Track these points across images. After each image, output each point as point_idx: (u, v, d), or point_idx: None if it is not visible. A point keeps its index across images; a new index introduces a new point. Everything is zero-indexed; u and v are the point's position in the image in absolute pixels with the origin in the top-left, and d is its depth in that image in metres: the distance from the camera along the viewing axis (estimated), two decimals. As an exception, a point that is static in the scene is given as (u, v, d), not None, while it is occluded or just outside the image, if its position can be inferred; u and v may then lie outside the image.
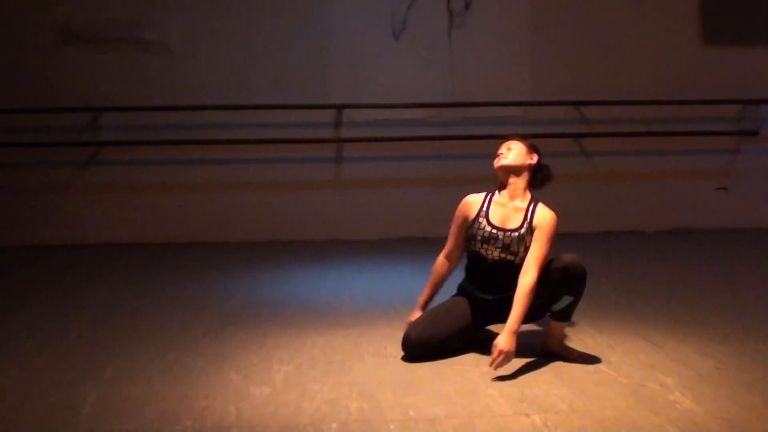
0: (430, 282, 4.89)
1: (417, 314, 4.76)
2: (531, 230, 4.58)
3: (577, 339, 4.91)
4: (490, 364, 4.22)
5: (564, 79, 8.89)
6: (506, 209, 4.68)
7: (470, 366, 4.43)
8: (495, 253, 4.61)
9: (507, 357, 4.22)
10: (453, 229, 4.82)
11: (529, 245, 4.54)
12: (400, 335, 4.87)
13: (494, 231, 4.62)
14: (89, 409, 3.88)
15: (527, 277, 4.39)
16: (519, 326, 4.33)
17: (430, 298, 4.89)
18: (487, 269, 4.66)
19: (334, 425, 3.64)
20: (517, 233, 4.59)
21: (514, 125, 8.72)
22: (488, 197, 4.76)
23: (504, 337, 4.25)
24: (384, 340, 4.90)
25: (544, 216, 4.62)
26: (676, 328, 5.13)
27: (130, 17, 8.57)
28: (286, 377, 4.30)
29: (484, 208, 4.70)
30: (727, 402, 3.85)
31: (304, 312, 5.70)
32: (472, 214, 4.71)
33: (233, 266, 7.45)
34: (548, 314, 4.59)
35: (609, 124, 8.93)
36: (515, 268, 4.50)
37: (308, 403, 3.90)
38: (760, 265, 7.35)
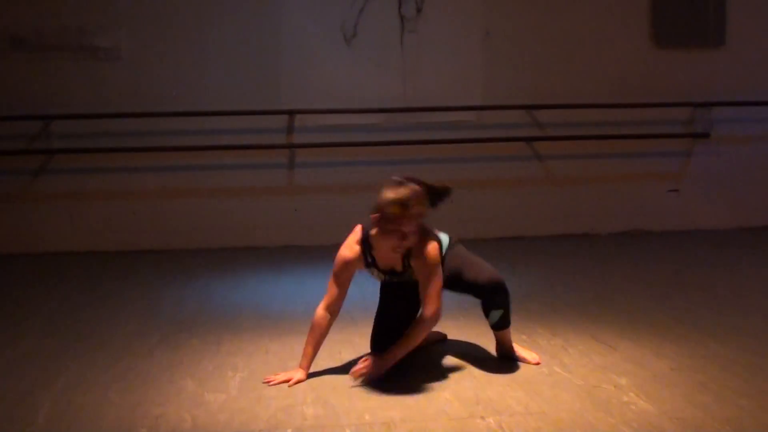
0: (312, 340, 4.41)
1: (300, 376, 4.32)
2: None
3: (531, 341, 4.93)
4: (351, 373, 4.25)
5: (516, 83, 8.94)
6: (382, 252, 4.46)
7: (424, 369, 4.43)
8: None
9: (368, 373, 4.22)
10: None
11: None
12: (354, 340, 4.90)
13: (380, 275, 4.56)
14: (42, 421, 3.83)
15: (422, 317, 4.31)
16: (397, 358, 4.29)
17: (313, 357, 4.44)
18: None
19: (289, 431, 3.62)
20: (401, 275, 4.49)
21: (467, 129, 8.78)
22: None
23: (379, 361, 4.25)
24: (338, 345, 4.89)
25: (429, 250, 4.32)
26: (630, 330, 5.16)
27: (79, 24, 8.49)
28: (240, 383, 4.27)
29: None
30: (682, 402, 3.87)
31: (258, 318, 5.68)
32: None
33: (186, 273, 7.40)
34: (490, 327, 4.58)
35: (561, 128, 8.99)
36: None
37: (263, 410, 3.88)
38: (712, 267, 7.41)
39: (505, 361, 4.56)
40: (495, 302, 4.44)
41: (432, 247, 4.31)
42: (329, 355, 4.68)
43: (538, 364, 4.49)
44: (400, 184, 4.19)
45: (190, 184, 8.72)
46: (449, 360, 4.63)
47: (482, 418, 3.72)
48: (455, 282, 4.47)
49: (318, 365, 4.49)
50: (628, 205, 9.23)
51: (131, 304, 6.20)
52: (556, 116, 8.99)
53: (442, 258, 4.47)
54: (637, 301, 5.98)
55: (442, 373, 4.36)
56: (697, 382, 4.16)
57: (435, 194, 4.27)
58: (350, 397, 4.02)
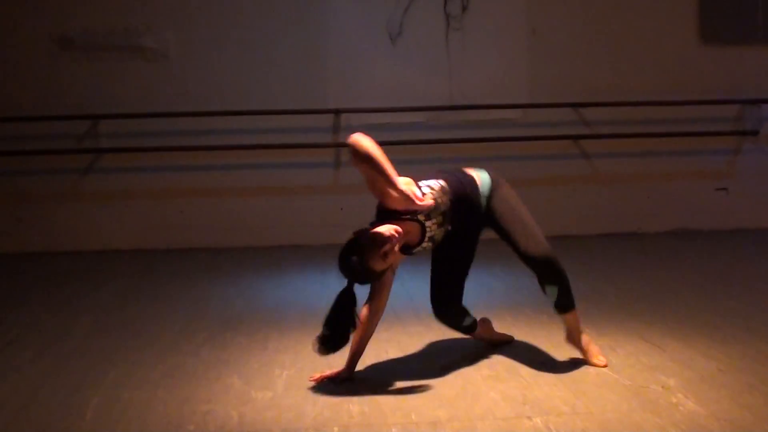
0: (356, 338, 4.37)
1: (344, 374, 4.33)
2: None
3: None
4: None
5: (562, 80, 8.89)
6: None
7: (472, 369, 4.42)
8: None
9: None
10: None
11: None
12: (400, 339, 4.90)
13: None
14: (91, 415, 3.87)
15: None
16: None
17: (357, 355, 4.42)
18: None
19: (336, 429, 3.63)
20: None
21: (512, 127, 8.75)
22: None
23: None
24: (385, 343, 4.89)
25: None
26: (678, 330, 5.11)
27: (127, 25, 8.57)
28: (287, 381, 4.29)
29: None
30: (730, 403, 3.84)
31: (304, 316, 5.68)
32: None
33: (233, 271, 7.45)
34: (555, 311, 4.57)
35: (608, 126, 8.92)
36: None
37: (310, 407, 3.90)
38: (762, 266, 7.34)
39: (551, 361, 4.54)
40: (548, 278, 4.45)
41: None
42: (375, 355, 4.69)
43: (605, 366, 4.45)
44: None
45: (238, 183, 8.77)
46: (496, 359, 4.61)
47: (529, 418, 3.70)
48: (505, 237, 4.50)
49: (364, 363, 4.49)
50: (677, 204, 9.14)
51: (179, 302, 6.25)
52: (603, 114, 8.93)
53: (487, 200, 4.53)
54: (685, 301, 5.93)
55: (489, 373, 4.35)
56: (745, 384, 4.11)
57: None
58: (397, 396, 4.02)
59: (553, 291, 4.46)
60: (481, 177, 4.60)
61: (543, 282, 4.48)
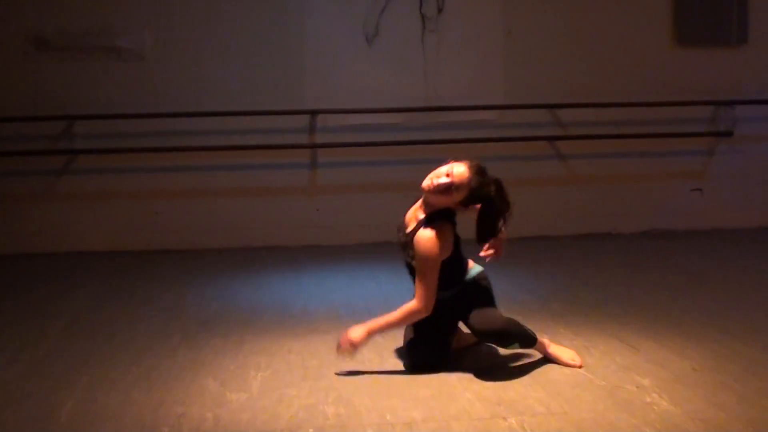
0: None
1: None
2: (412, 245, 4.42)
3: (554, 342, 4.89)
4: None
5: (538, 82, 8.91)
6: (414, 211, 4.61)
7: (446, 370, 4.43)
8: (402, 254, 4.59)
9: (348, 348, 4.33)
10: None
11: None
12: (375, 339, 4.89)
13: (399, 228, 4.63)
14: (65, 419, 3.86)
15: (409, 302, 4.38)
16: (377, 330, 4.38)
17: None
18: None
19: (311, 430, 3.64)
20: (406, 237, 4.51)
21: (488, 129, 8.77)
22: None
23: (357, 329, 4.33)
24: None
25: (419, 236, 4.36)
26: (652, 330, 5.14)
27: (102, 25, 8.52)
28: (263, 383, 4.29)
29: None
30: (704, 403, 3.86)
31: (280, 318, 5.69)
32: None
33: (209, 273, 7.43)
34: None
35: (583, 127, 8.95)
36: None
37: (285, 409, 3.90)
38: (736, 266, 7.38)
39: (526, 362, 4.55)
40: (501, 343, 4.51)
41: (425, 237, 4.33)
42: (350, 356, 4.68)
43: (580, 367, 4.45)
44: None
45: (213, 184, 8.74)
46: (471, 360, 4.62)
47: (504, 418, 3.72)
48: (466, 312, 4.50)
49: (340, 365, 4.49)
50: (651, 205, 9.18)
51: (154, 304, 6.23)
52: (578, 115, 8.96)
53: (467, 282, 4.57)
54: (660, 301, 5.96)
55: (464, 374, 4.36)
56: (719, 383, 4.15)
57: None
58: (372, 397, 4.03)
59: (515, 347, 4.49)
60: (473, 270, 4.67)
61: (502, 346, 4.56)
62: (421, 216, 4.44)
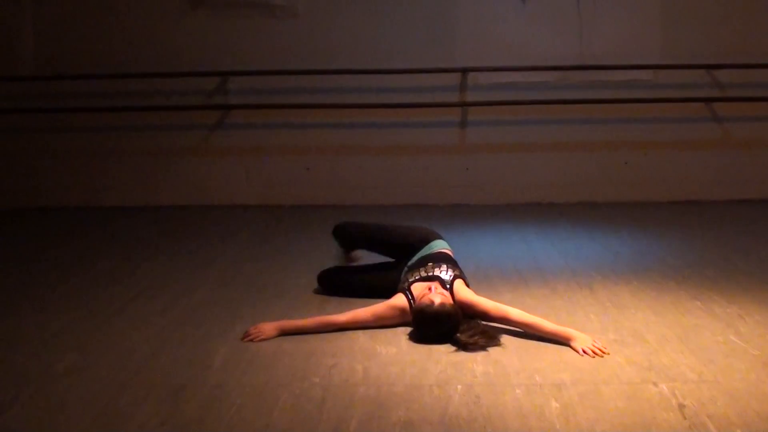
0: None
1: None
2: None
3: (706, 308, 4.81)
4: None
5: (696, 41, 8.63)
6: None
7: (597, 333, 4.38)
8: None
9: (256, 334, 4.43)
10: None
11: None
12: (524, 300, 4.90)
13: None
14: (219, 365, 3.99)
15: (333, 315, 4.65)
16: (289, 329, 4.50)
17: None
18: None
19: (459, 387, 3.66)
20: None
21: (643, 89, 8.57)
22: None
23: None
24: (509, 305, 4.87)
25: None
26: (810, 301, 4.98)
27: (258, -17, 8.67)
28: (412, 339, 4.33)
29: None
30: None
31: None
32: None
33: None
34: None
35: (742, 88, 8.65)
36: None
37: (434, 365, 3.93)
38: None
39: (678, 328, 4.47)
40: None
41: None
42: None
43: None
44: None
45: (363, 142, 8.81)
46: (622, 324, 4.56)
47: (654, 384, 3.66)
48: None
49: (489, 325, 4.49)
50: (814, 170, 8.83)
51: (304, 258, 6.34)
52: (737, 76, 8.65)
53: None
54: (820, 271, 5.76)
55: (615, 338, 4.31)
56: None
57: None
58: (521, 358, 4.02)
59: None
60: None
61: None
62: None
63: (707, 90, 8.68)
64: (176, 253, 6.64)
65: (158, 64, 8.67)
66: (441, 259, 4.85)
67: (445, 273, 4.66)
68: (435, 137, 8.78)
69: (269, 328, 4.43)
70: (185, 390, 3.66)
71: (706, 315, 4.67)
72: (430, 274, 4.67)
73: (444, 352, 4.11)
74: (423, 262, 4.84)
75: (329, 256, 6.18)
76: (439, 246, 5.10)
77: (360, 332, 4.43)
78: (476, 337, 4.18)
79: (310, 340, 4.33)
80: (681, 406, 3.42)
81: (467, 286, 4.67)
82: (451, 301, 4.40)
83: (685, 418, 3.31)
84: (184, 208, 8.66)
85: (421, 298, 4.42)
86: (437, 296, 4.36)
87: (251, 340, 4.34)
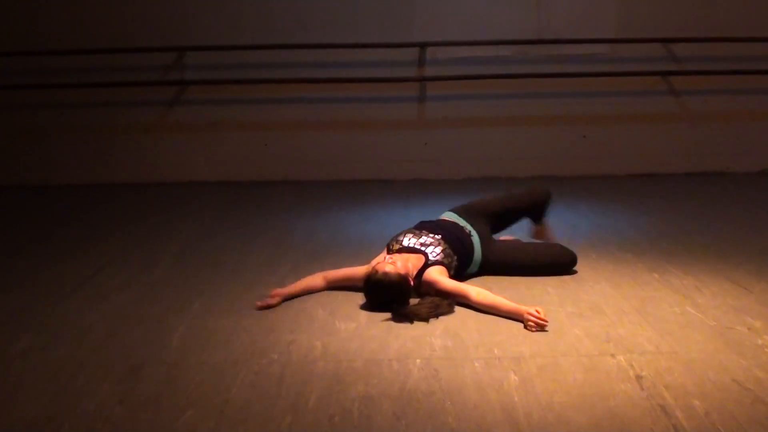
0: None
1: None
2: None
3: (663, 280, 4.85)
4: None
5: (652, 15, 8.67)
6: None
7: (555, 306, 4.41)
8: None
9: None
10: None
11: None
12: (481, 274, 4.90)
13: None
14: (177, 343, 3.96)
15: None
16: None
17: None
18: None
19: (418, 361, 3.66)
20: None
21: (600, 62, 8.60)
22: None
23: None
24: (471, 284, 4.88)
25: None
26: (765, 272, 5.02)
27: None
28: (371, 314, 4.33)
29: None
30: (818, 345, 3.79)
31: (387, 250, 5.72)
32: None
33: (317, 204, 7.50)
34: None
35: (699, 62, 8.70)
36: None
37: (393, 339, 3.93)
38: None
39: (634, 301, 4.50)
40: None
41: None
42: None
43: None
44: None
45: (321, 117, 8.79)
46: (580, 297, 4.59)
47: (612, 355, 3.69)
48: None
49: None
50: (767, 143, 8.91)
51: (263, 234, 6.32)
52: (693, 49, 8.70)
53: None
54: (774, 243, 5.82)
55: (573, 310, 4.33)
56: (836, 326, 4.05)
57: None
58: (480, 332, 4.03)
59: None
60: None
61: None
62: None
63: (664, 63, 8.73)
64: (134, 230, 6.60)
65: (113, 40, 8.57)
66: (445, 237, 4.87)
67: (432, 253, 4.70)
68: (394, 112, 8.77)
69: (279, 295, 4.55)
70: (143, 368, 3.63)
71: (663, 287, 4.71)
72: (422, 249, 4.72)
73: (404, 327, 4.11)
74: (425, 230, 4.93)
75: (288, 232, 6.19)
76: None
77: (319, 308, 4.43)
78: (420, 308, 4.25)
79: (269, 316, 4.32)
80: (638, 377, 3.44)
81: (447, 274, 4.66)
82: (401, 273, 4.39)
83: (642, 389, 3.33)
84: (141, 185, 8.59)
85: (376, 264, 4.46)
86: (388, 266, 4.38)
87: (268, 306, 4.43)
